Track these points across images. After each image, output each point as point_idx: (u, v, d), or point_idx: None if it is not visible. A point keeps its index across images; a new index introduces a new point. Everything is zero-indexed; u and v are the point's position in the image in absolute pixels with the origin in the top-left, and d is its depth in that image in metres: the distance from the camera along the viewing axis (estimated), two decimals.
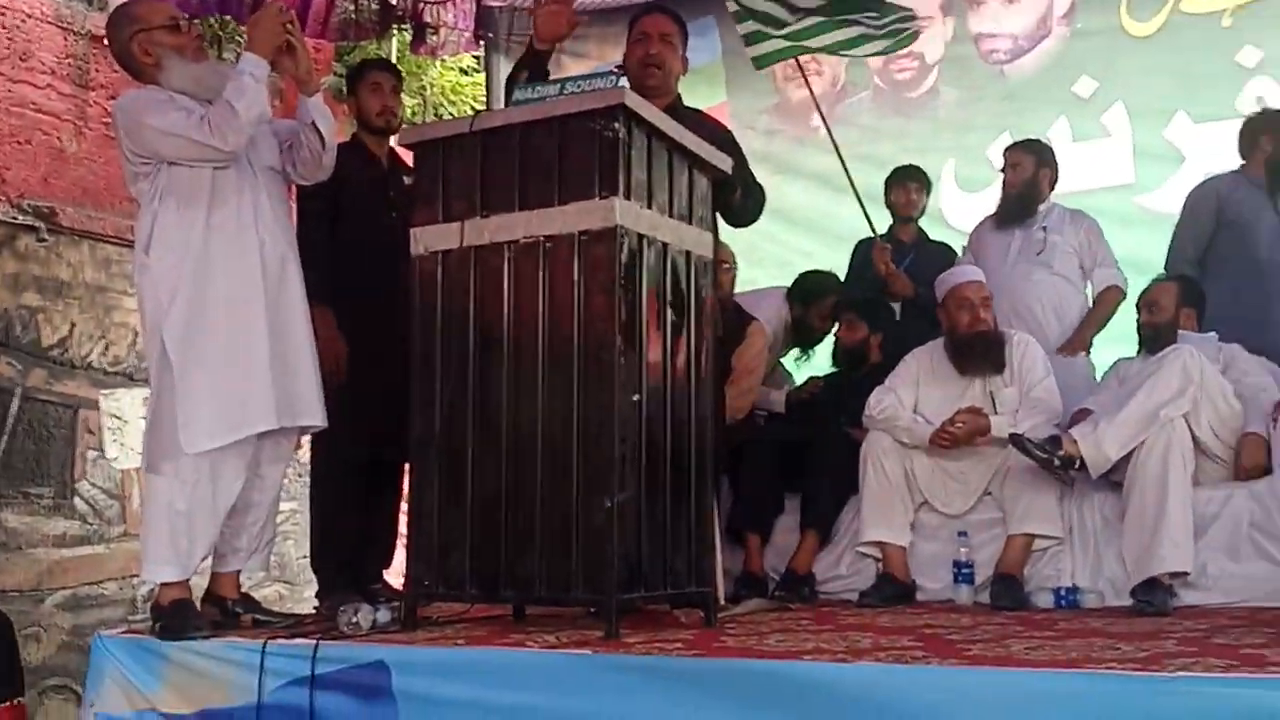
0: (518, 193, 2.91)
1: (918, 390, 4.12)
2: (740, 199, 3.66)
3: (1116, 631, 2.95)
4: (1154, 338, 4.07)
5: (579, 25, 3.78)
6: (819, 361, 5.07)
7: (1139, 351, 4.20)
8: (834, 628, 3.11)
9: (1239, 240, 4.54)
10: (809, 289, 4.98)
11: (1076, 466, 3.61)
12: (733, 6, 4.93)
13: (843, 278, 5.17)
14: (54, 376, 5.35)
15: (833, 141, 4.99)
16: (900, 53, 6.09)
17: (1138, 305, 4.24)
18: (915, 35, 5.05)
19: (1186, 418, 3.63)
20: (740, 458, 4.16)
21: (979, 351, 4.09)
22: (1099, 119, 5.65)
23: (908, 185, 5.04)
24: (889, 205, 5.08)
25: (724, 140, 3.62)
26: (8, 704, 3.70)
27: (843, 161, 4.95)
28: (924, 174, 5.12)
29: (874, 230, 4.90)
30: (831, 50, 5.08)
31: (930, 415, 4.03)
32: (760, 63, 5.00)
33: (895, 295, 4.83)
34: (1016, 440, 3.63)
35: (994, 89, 5.93)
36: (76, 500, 5.43)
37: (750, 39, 4.93)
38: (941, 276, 4.45)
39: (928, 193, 5.14)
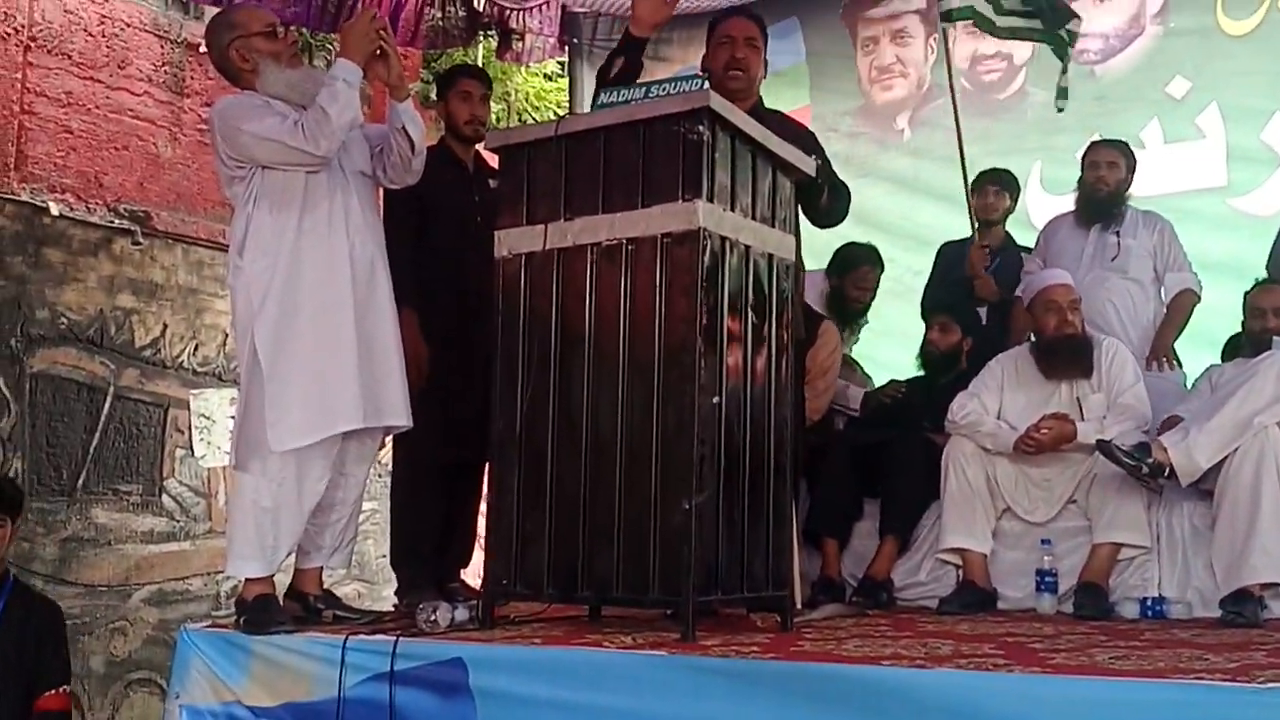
0: (601, 196, 2.95)
1: (1002, 395, 4.08)
2: (827, 200, 3.67)
3: (1204, 643, 2.91)
4: (1266, 345, 3.97)
5: (672, 9, 3.75)
6: (898, 362, 5.04)
7: (1223, 355, 4.11)
8: (913, 634, 3.11)
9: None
10: (845, 259, 4.97)
11: (1166, 474, 3.57)
12: None
13: (926, 280, 5.16)
14: (145, 376, 5.52)
15: (957, 125, 4.92)
16: (988, 53, 6.10)
17: (1258, 307, 4.12)
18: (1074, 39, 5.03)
19: None
20: (819, 460, 4.16)
21: (1066, 355, 4.05)
22: (1193, 120, 5.56)
23: (987, 189, 5.01)
24: (973, 209, 5.05)
25: (807, 142, 3.63)
26: (56, 691, 3.82)
27: (962, 155, 4.88)
28: (1008, 176, 5.08)
29: (974, 229, 4.86)
30: (1011, 35, 5.09)
31: (1015, 421, 3.99)
32: (950, 17, 4.95)
33: (981, 299, 4.80)
34: (1104, 447, 3.59)
35: (1084, 89, 5.84)
36: (164, 497, 5.59)
37: None
38: (1028, 279, 4.43)
39: (1013, 197, 5.09)
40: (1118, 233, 4.61)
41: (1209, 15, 5.60)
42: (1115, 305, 4.57)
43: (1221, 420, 3.53)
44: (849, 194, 3.82)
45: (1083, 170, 4.77)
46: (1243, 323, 4.19)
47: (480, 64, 7.23)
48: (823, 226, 3.80)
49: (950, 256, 5.07)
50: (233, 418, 3.31)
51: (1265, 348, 3.94)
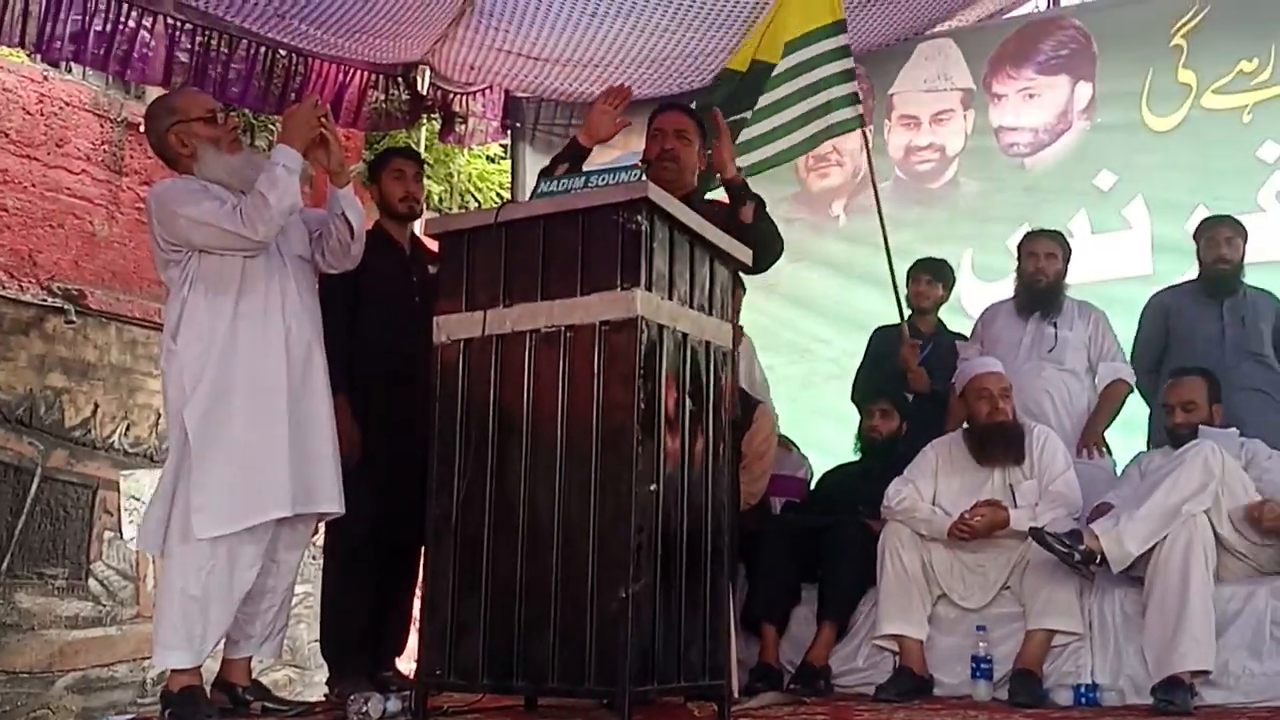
0: (540, 283, 2.97)
1: (936, 481, 4.13)
2: (757, 216, 3.73)
3: None
4: (1188, 436, 4.02)
5: (622, 128, 3.90)
6: (832, 442, 5.08)
7: (1150, 444, 4.18)
8: None
9: (1188, 354, 4.62)
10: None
11: (1097, 562, 3.61)
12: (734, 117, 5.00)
13: (857, 365, 5.21)
14: (75, 457, 5.43)
15: (880, 217, 5.02)
16: (921, 145, 6.25)
17: (1166, 404, 4.21)
18: (860, 120, 5.16)
19: (1208, 513, 3.63)
20: (756, 545, 4.16)
21: (999, 442, 4.10)
22: (1119, 211, 5.73)
23: (920, 277, 5.09)
24: (907, 296, 5.14)
25: (730, 218, 3.71)
26: None
27: (887, 247, 4.97)
28: (942, 266, 5.15)
29: (903, 318, 4.93)
30: (795, 154, 5.24)
31: (949, 507, 4.03)
32: (751, 171, 5.07)
33: (912, 388, 4.86)
34: (1037, 534, 3.64)
35: (1014, 181, 6.03)
36: (91, 581, 5.47)
37: (744, 149, 5.00)
38: (962, 367, 4.48)
39: (946, 286, 5.16)
40: (1055, 324, 4.70)
41: (1134, 111, 5.79)
42: (1051, 395, 4.64)
43: (1150, 508, 3.59)
44: (781, 241, 3.86)
45: (1020, 260, 4.86)
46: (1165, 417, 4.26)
47: (423, 146, 7.29)
48: (754, 261, 3.77)
49: (882, 341, 5.13)
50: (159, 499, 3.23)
51: (1185, 439, 4.00)
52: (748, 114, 5.00)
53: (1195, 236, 4.85)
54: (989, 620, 3.92)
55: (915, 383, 4.83)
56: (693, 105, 4.53)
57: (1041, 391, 4.62)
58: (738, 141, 4.83)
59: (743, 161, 4.82)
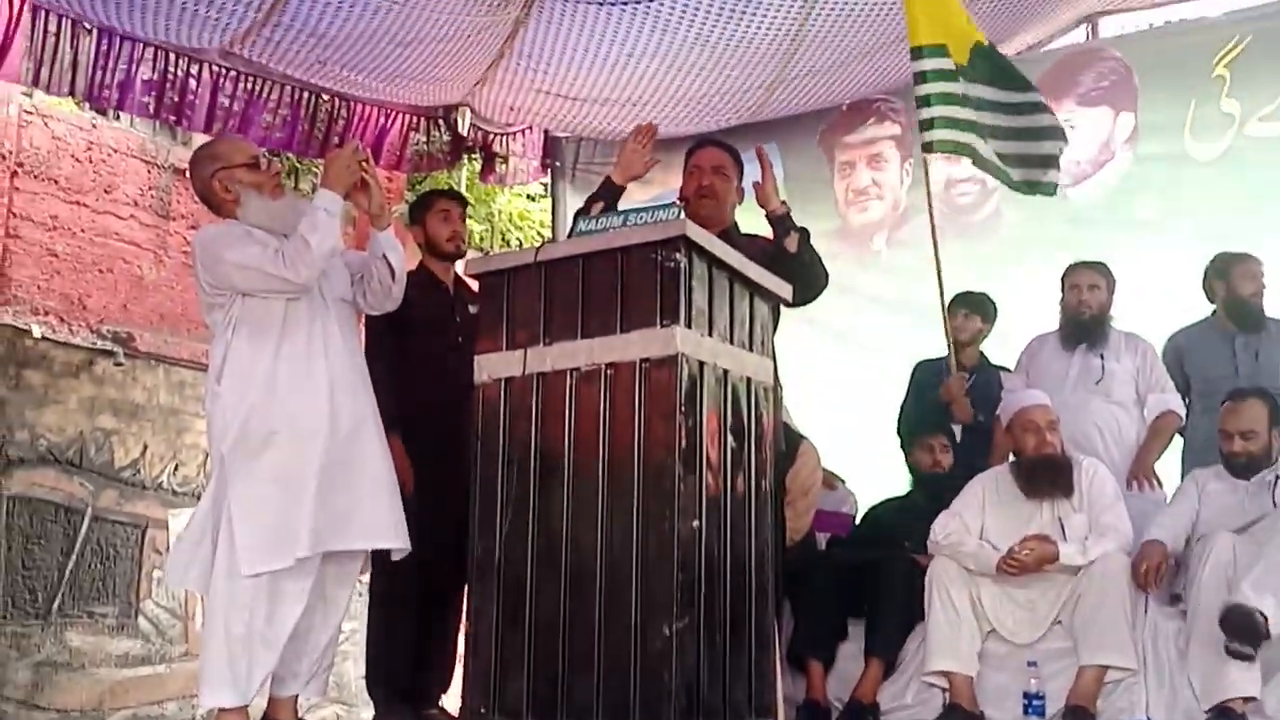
0: (580, 321, 2.98)
1: (984, 515, 4.08)
2: (802, 247, 3.73)
3: None
4: (1247, 465, 3.98)
5: (653, 165, 3.95)
6: (876, 478, 5.05)
7: (1184, 472, 4.10)
8: None
9: (1206, 392, 4.60)
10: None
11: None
12: (921, 91, 4.89)
13: (902, 398, 5.18)
14: (124, 497, 5.49)
15: (935, 247, 4.94)
16: (961, 177, 6.23)
17: (1224, 430, 4.10)
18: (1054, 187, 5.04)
19: None
20: (801, 582, 4.13)
21: (1047, 475, 4.06)
22: (1164, 241, 5.66)
23: (958, 312, 5.07)
24: (949, 330, 5.12)
25: (775, 248, 3.71)
26: None
27: (940, 275, 4.90)
28: (980, 299, 5.14)
29: (951, 355, 4.90)
30: (994, 173, 5.09)
31: (997, 541, 3.98)
32: (935, 148, 4.96)
33: (956, 420, 4.82)
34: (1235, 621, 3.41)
35: (1057, 212, 5.98)
36: (140, 619, 5.51)
37: (927, 125, 4.87)
38: (1006, 400, 4.45)
39: (985, 319, 5.13)
40: (1102, 355, 4.67)
41: (1178, 142, 5.75)
42: (1100, 427, 4.60)
43: None
44: (826, 273, 3.87)
45: (1063, 292, 4.84)
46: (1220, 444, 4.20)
47: (464, 186, 7.36)
48: (799, 293, 3.67)
49: (926, 374, 5.11)
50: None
51: (1246, 469, 3.96)
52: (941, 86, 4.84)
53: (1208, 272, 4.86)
54: (1040, 656, 3.86)
55: (959, 415, 4.80)
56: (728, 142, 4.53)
57: (1090, 424, 4.59)
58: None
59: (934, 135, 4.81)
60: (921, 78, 4.83)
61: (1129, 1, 6.48)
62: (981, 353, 5.15)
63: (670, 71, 5.97)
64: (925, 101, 4.83)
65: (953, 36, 4.88)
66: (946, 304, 5.05)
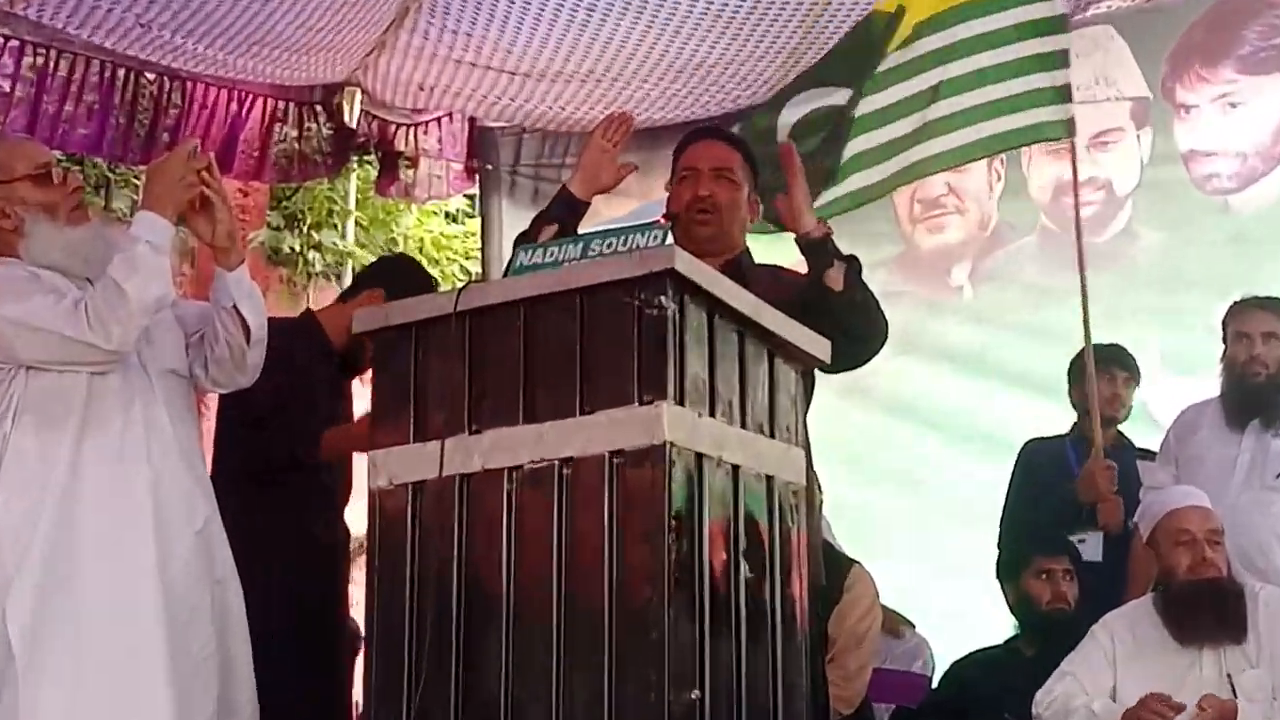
0: (523, 398, 2.98)
1: (1115, 671, 4.09)
2: (850, 284, 3.73)
3: None
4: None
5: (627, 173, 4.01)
6: (965, 610, 5.06)
7: None
8: None
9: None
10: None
11: None
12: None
13: (1004, 497, 5.20)
14: None
15: (1081, 272, 5.06)
16: (1081, 180, 6.30)
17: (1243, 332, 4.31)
18: (1068, 127, 5.18)
19: None
20: None
21: (1208, 610, 4.08)
22: None
23: (1115, 375, 5.11)
24: (1074, 400, 5.15)
25: (812, 286, 3.74)
26: None
27: (1086, 318, 4.99)
28: (1126, 355, 5.23)
29: (1098, 431, 4.93)
30: (953, 161, 5.24)
31: None
32: (855, 199, 5.10)
33: (1103, 524, 4.84)
34: None
35: (1215, 229, 6.04)
36: None
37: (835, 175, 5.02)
38: (1149, 500, 4.48)
39: (1134, 381, 5.21)
40: None
41: None
42: None
43: None
44: (885, 321, 3.86)
45: (1226, 344, 4.92)
46: None
47: (353, 199, 7.39)
48: (844, 352, 3.60)
49: (1044, 461, 5.14)
50: None
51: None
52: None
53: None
54: None
55: (1106, 516, 4.81)
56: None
57: (1270, 535, 4.62)
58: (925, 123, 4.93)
59: (921, 153, 4.96)
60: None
61: None
62: (1120, 432, 5.19)
63: (650, 30, 6.04)
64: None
65: None
66: (1072, 362, 5.11)
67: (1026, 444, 5.27)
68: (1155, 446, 5.10)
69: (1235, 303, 4.98)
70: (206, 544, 3.38)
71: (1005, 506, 5.23)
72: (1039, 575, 4.72)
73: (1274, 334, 4.81)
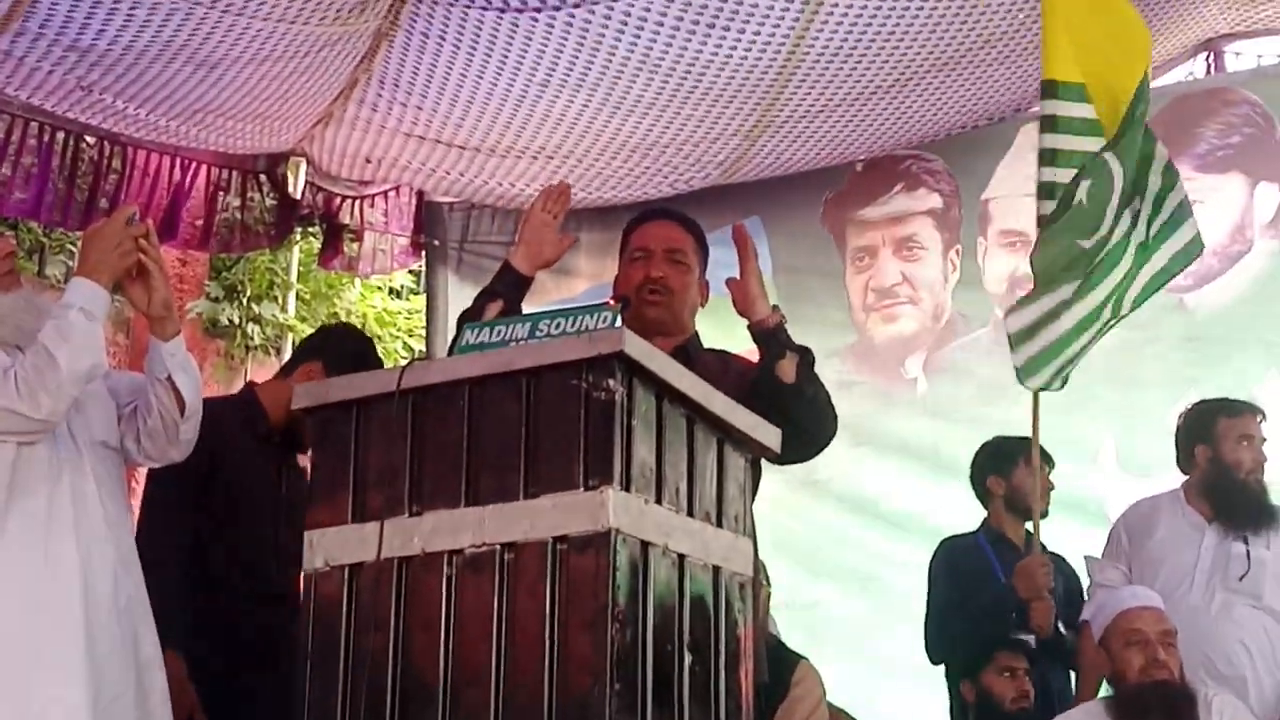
0: (465, 480, 2.97)
1: None
2: (802, 376, 3.73)
3: None
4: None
5: (569, 245, 3.97)
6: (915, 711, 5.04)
7: None
8: None
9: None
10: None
11: None
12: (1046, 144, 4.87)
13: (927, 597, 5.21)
14: None
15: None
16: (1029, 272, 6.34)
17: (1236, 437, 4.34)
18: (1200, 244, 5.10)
19: None
20: None
21: (1159, 714, 4.07)
22: None
23: (1043, 467, 5.11)
24: (986, 490, 5.19)
25: (763, 375, 3.74)
26: None
27: (1036, 409, 4.95)
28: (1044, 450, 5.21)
29: (1037, 528, 4.91)
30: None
31: None
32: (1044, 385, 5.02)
33: (1033, 627, 4.83)
34: None
35: (1172, 326, 6.08)
36: None
37: (1046, 192, 4.81)
38: (1101, 599, 4.49)
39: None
40: (1246, 539, 4.73)
41: None
42: (1246, 645, 4.64)
43: None
44: (835, 415, 3.85)
45: (1199, 445, 4.93)
46: None
47: (295, 272, 7.38)
48: (793, 449, 3.57)
49: (957, 560, 5.14)
50: None
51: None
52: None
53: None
54: None
55: (1037, 619, 4.78)
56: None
57: (1232, 641, 4.63)
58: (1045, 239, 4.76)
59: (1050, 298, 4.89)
60: (1051, 124, 4.80)
61: (1267, 18, 6.62)
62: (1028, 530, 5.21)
63: (603, 109, 6.07)
64: (1050, 159, 4.80)
65: (1110, 75, 4.87)
66: (991, 454, 5.14)
67: (943, 542, 5.27)
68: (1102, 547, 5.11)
69: (1195, 404, 5.02)
70: (131, 621, 3.35)
71: (929, 605, 5.20)
72: (1002, 673, 4.72)
73: (1248, 436, 4.86)
